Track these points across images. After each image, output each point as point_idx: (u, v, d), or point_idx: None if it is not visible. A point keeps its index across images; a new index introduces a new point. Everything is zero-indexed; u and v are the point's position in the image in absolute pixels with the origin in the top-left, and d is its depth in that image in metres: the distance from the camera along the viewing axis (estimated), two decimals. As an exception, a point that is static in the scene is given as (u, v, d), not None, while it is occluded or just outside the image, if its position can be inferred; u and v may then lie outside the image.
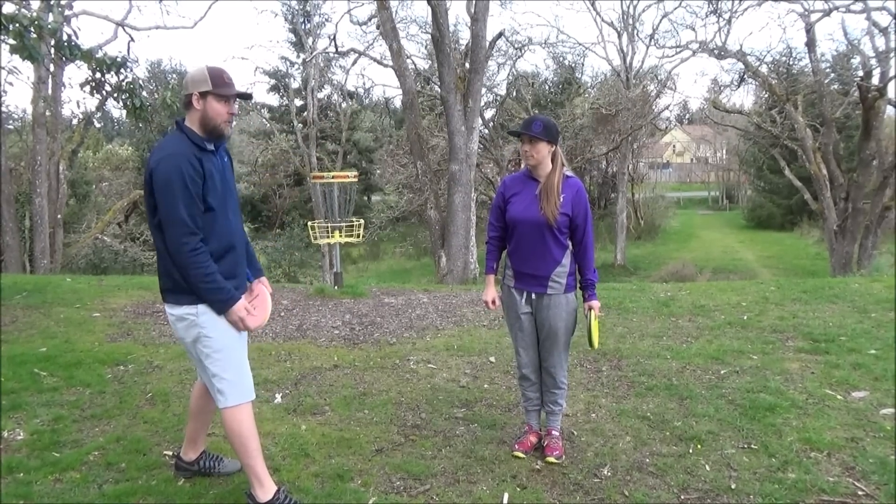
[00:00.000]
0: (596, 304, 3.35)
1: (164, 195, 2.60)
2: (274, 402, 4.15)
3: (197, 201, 2.64)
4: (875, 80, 16.31)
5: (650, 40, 27.07)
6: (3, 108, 16.41)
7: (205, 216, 2.68)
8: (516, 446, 3.46)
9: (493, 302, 3.46)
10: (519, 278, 3.36)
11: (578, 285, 3.39)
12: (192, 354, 2.87)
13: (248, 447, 2.78)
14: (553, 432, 3.49)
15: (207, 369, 2.78)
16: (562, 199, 3.22)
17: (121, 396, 4.20)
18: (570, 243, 3.33)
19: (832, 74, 21.65)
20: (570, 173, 3.33)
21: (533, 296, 3.33)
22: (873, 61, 16.80)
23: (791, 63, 22.90)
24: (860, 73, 17.36)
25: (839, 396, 4.12)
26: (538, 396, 3.54)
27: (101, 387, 4.36)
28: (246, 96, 2.92)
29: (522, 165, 3.42)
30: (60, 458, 3.33)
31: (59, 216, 16.72)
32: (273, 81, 31.92)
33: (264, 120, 32.70)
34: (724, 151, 49.77)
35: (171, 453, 3.39)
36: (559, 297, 3.30)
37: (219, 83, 2.71)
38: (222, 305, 2.71)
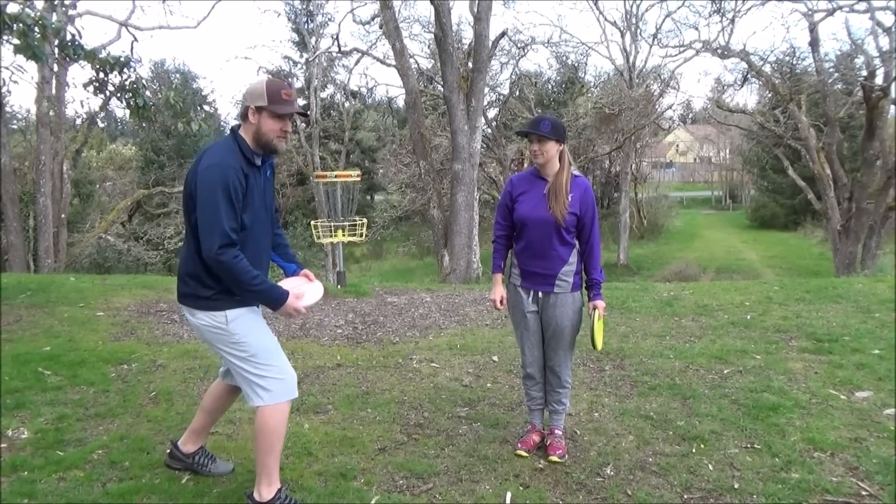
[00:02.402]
0: (601, 303, 3.34)
1: (205, 203, 2.56)
2: (277, 400, 4.15)
3: (237, 214, 2.61)
4: (879, 80, 16.29)
5: (653, 39, 27.09)
6: (8, 108, 16.45)
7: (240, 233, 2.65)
8: (519, 445, 3.46)
9: (501, 301, 3.45)
10: (526, 277, 3.36)
11: (584, 285, 3.39)
12: (222, 357, 2.82)
13: (275, 446, 2.76)
14: (556, 431, 3.49)
15: (248, 372, 2.73)
16: (570, 199, 3.24)
17: (124, 395, 4.21)
18: (576, 242, 3.33)
19: (836, 74, 21.58)
20: (577, 172, 3.34)
21: (539, 294, 3.34)
22: (877, 61, 16.77)
23: (794, 63, 22.85)
24: (864, 73, 17.34)
25: (843, 396, 4.11)
26: (542, 396, 3.54)
27: (104, 385, 4.37)
28: (303, 114, 2.87)
29: (526, 164, 3.43)
30: (64, 457, 3.33)
31: (62, 216, 16.78)
32: (276, 81, 31.87)
33: (267, 119, 32.60)
34: (728, 151, 49.67)
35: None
36: (566, 296, 3.30)
37: (275, 100, 2.67)
38: (276, 303, 2.69)
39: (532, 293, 3.35)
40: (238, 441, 3.53)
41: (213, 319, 2.70)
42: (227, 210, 2.57)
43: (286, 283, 2.95)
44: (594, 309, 3.31)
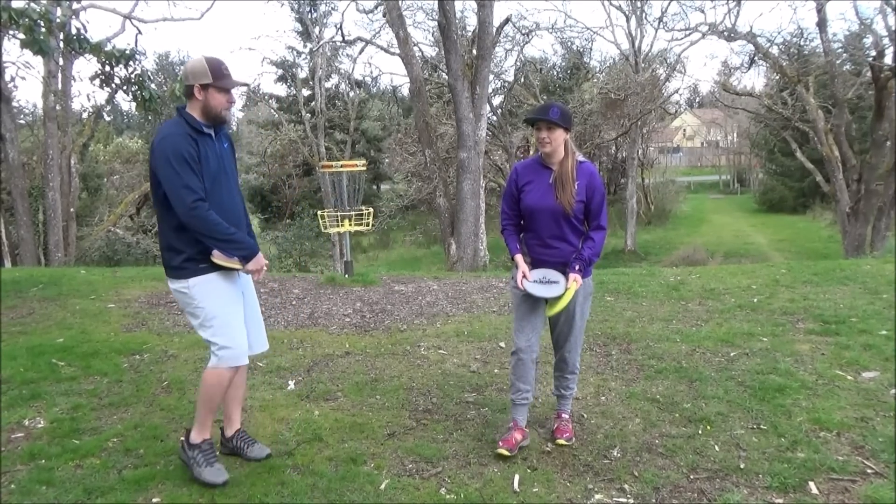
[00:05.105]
0: (579, 278, 3.19)
1: (165, 170, 2.82)
2: (287, 388, 4.21)
3: (198, 175, 2.86)
4: (888, 60, 16.10)
5: (659, 23, 26.87)
6: (15, 103, 16.54)
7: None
8: (500, 444, 3.27)
9: (525, 275, 3.26)
10: (536, 265, 3.31)
11: (581, 266, 3.27)
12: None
13: (214, 402, 3.09)
14: (563, 415, 3.52)
15: (204, 336, 3.04)
16: (576, 186, 3.21)
17: (137, 385, 4.27)
18: (585, 228, 3.32)
19: (844, 55, 21.37)
20: (582, 158, 3.30)
21: None
22: (886, 41, 16.58)
23: (802, 44, 22.66)
24: (873, 53, 17.13)
25: (849, 377, 4.12)
26: (530, 390, 3.41)
27: (117, 376, 4.44)
28: (244, 85, 3.12)
29: (532, 152, 3.40)
30: (80, 445, 3.40)
31: (71, 209, 16.89)
32: (280, 72, 31.91)
33: (272, 110, 32.74)
34: (735, 135, 49.38)
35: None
36: None
37: (218, 76, 2.92)
38: (249, 254, 2.98)
39: None
40: (249, 427, 3.58)
41: (181, 286, 2.98)
42: (188, 171, 2.82)
43: None
44: (573, 281, 3.17)
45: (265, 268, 3.09)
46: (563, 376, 3.51)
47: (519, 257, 3.36)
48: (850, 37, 21.19)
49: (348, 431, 3.56)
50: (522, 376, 3.36)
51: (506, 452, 3.22)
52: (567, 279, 3.21)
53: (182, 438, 3.16)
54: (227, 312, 3.02)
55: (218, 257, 2.97)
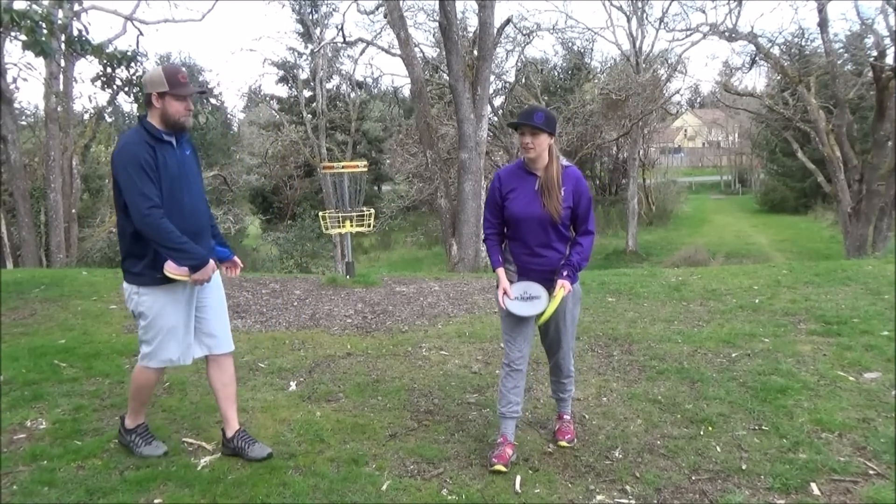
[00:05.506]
0: (567, 284, 3.12)
1: (124, 178, 2.91)
2: (289, 389, 4.22)
3: (155, 182, 2.94)
4: (889, 60, 16.08)
5: (660, 24, 26.89)
6: (17, 104, 16.56)
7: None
8: (494, 460, 3.17)
9: (506, 292, 3.23)
10: (523, 274, 3.25)
11: (572, 270, 3.20)
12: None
13: (141, 396, 3.32)
14: (564, 416, 3.52)
15: (139, 334, 3.19)
16: (563, 193, 3.14)
17: (139, 386, 4.26)
18: (572, 233, 3.26)
19: (845, 55, 21.36)
20: (566, 162, 3.23)
21: None
22: (887, 41, 16.56)
23: (803, 44, 22.64)
24: (874, 53, 17.11)
25: (851, 378, 4.12)
26: (520, 402, 3.33)
27: (119, 377, 4.44)
28: (201, 92, 3.11)
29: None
30: (82, 446, 3.40)
31: (73, 211, 16.90)
32: (281, 73, 31.95)
33: (273, 111, 32.77)
34: (737, 135, 49.35)
35: (189, 440, 3.47)
36: None
37: (174, 84, 2.98)
38: (199, 264, 3.02)
39: None
40: (251, 429, 3.58)
41: (131, 290, 3.11)
42: (144, 179, 2.90)
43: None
44: (560, 287, 3.11)
45: (214, 272, 3.15)
46: (560, 381, 3.50)
47: (500, 272, 3.27)
48: (851, 37, 21.18)
49: (350, 432, 3.56)
50: (515, 387, 3.27)
51: (503, 468, 3.14)
52: (551, 289, 3.14)
53: (120, 425, 3.40)
54: (169, 326, 3.11)
55: (169, 269, 3.00)
